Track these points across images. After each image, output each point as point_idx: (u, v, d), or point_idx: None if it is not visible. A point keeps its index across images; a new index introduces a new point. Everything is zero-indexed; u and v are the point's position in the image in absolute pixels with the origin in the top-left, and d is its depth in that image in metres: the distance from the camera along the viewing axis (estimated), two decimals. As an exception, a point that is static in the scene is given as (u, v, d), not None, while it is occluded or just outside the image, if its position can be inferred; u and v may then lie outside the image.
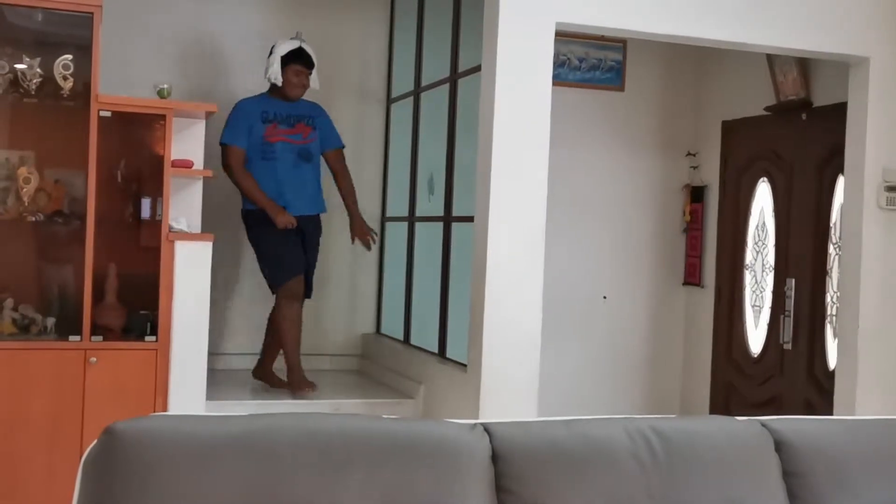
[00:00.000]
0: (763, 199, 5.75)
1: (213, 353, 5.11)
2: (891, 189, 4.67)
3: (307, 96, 5.09)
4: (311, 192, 4.98)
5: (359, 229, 5.14)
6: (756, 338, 5.73)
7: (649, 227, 6.14)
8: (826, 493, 1.98)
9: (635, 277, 6.12)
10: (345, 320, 6.11)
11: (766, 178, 5.71)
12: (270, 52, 4.92)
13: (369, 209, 5.94)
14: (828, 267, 5.22)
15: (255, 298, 5.61)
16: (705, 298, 6.06)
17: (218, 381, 4.95)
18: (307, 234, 4.97)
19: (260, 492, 1.80)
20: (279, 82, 4.85)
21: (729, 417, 2.11)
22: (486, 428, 1.97)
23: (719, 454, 1.97)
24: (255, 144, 4.80)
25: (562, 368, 5.76)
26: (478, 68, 4.56)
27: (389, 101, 6.26)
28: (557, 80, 5.74)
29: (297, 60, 4.87)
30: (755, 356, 5.71)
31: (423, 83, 5.78)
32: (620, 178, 6.05)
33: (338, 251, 5.83)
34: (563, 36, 5.17)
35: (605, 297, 6.06)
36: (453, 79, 5.27)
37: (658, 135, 6.13)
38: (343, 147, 5.18)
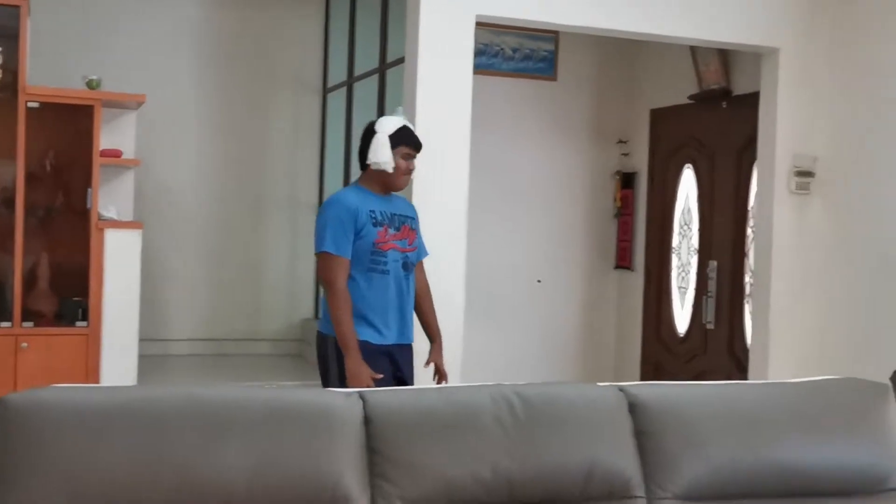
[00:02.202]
0: (688, 184, 5.95)
1: (151, 339, 5.23)
2: (800, 174, 4.87)
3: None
4: (411, 315, 3.82)
5: (438, 357, 3.86)
6: (682, 318, 5.93)
7: (582, 212, 6.32)
8: (674, 450, 2.15)
9: (569, 261, 6.30)
10: (284, 306, 6.24)
11: (690, 165, 5.90)
12: (368, 132, 3.76)
13: (306, 197, 6.06)
14: (746, 249, 5.43)
15: (191, 285, 5.72)
16: (635, 281, 6.26)
17: (153, 366, 5.07)
18: (408, 367, 3.79)
19: (146, 457, 1.93)
20: (390, 168, 3.67)
21: (590, 383, 2.27)
22: (361, 395, 2.12)
23: (577, 416, 2.14)
24: (362, 252, 3.64)
25: (498, 349, 5.93)
26: (404, 59, 4.70)
27: (325, 90, 6.39)
28: (491, 69, 5.91)
29: (408, 142, 3.73)
30: (681, 336, 5.91)
31: (356, 73, 5.92)
32: (554, 166, 6.22)
33: (275, 235, 5.95)
34: (496, 27, 5.32)
35: (539, 281, 6.24)
36: (382, 69, 5.41)
37: (590, 123, 6.30)
38: (428, 255, 4.00)
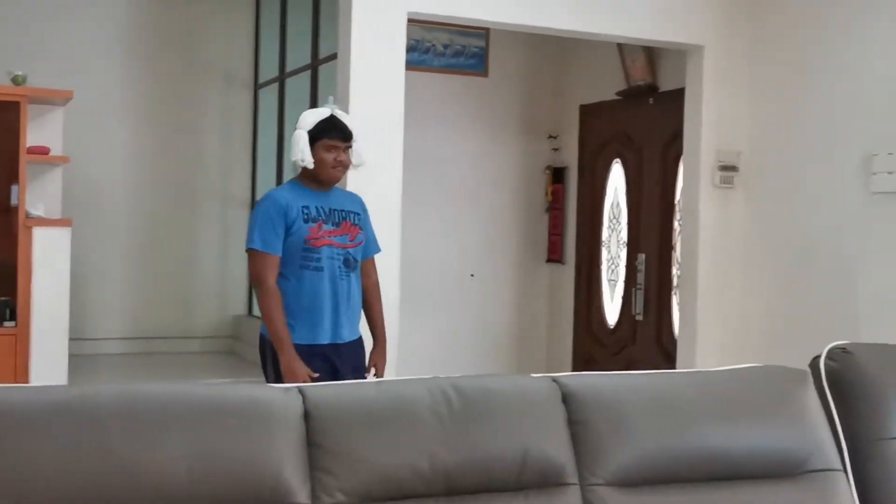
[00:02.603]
0: (617, 179, 6.08)
1: (81, 338, 5.16)
2: (724, 168, 5.02)
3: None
4: (357, 311, 3.79)
5: (380, 359, 3.84)
6: (612, 310, 6.07)
7: (514, 207, 6.41)
8: (605, 437, 2.22)
9: (501, 255, 6.39)
10: (216, 302, 6.20)
11: (619, 160, 6.04)
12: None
13: (238, 193, 6.03)
14: (673, 242, 5.57)
15: (121, 282, 5.66)
16: (567, 274, 6.37)
17: (84, 365, 5.00)
18: (347, 367, 3.72)
19: (81, 454, 1.92)
20: (310, 164, 3.62)
21: (524, 375, 2.33)
22: (301, 390, 2.14)
23: (511, 406, 2.19)
24: (293, 250, 3.61)
25: (432, 342, 6.00)
26: (336, 55, 4.71)
27: (257, 86, 6.36)
28: (423, 66, 5.95)
29: (330, 134, 3.66)
30: (611, 327, 6.05)
31: (288, 69, 5.91)
32: (486, 161, 6.30)
33: (207, 232, 5.91)
34: (427, 23, 5.36)
35: (472, 275, 6.32)
36: (314, 65, 5.41)
37: (521, 118, 6.40)
38: (379, 252, 3.97)
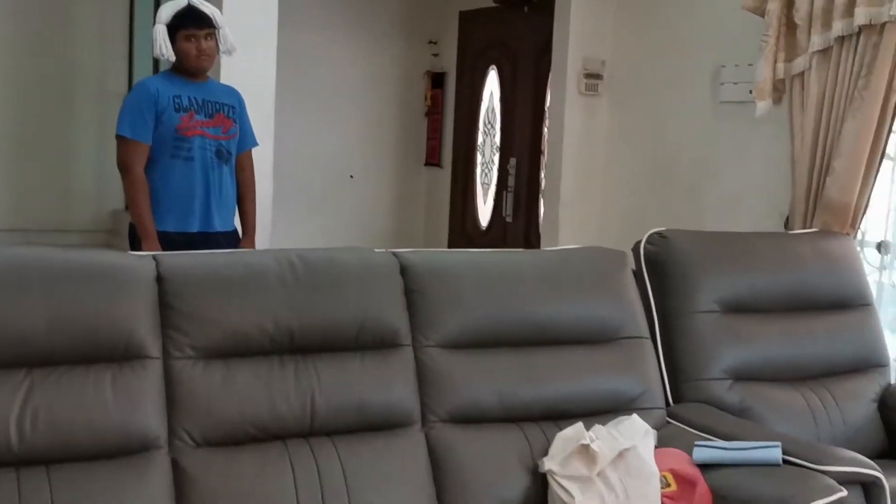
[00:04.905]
0: (492, 85, 6.27)
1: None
2: (589, 76, 5.26)
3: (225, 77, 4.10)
4: (230, 204, 3.85)
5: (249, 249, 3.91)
6: (485, 212, 6.33)
7: (394, 110, 6.56)
8: (438, 305, 2.46)
9: (380, 158, 6.56)
10: (94, 196, 6.19)
11: (495, 66, 6.22)
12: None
13: (114, 87, 5.99)
14: (542, 147, 5.83)
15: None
16: (444, 178, 6.59)
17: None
18: None
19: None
20: (171, 57, 3.66)
21: (366, 249, 2.54)
22: (155, 257, 2.30)
23: (353, 276, 2.40)
24: (164, 139, 3.63)
25: (309, 241, 6.10)
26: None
27: None
28: (302, -35, 5.97)
29: (187, 24, 3.64)
30: (483, 229, 6.32)
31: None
32: (366, 64, 6.40)
33: (84, 125, 5.85)
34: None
35: (351, 176, 6.47)
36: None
37: (401, 23, 6.50)
38: (256, 146, 4.02)
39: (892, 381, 3.16)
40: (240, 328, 2.26)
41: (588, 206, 5.33)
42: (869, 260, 3.74)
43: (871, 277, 3.60)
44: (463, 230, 6.46)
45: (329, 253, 2.47)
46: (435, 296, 2.48)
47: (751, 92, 4.00)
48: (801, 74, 3.72)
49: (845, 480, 2.29)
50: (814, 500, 2.18)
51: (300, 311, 2.31)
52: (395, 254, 2.54)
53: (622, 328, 2.69)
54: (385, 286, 2.44)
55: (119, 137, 3.64)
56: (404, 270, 2.50)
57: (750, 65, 4.08)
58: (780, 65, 3.82)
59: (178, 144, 3.67)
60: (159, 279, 2.25)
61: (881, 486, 2.35)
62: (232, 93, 3.89)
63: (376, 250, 2.55)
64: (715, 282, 2.91)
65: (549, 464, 2.39)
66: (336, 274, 2.40)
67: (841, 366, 3.03)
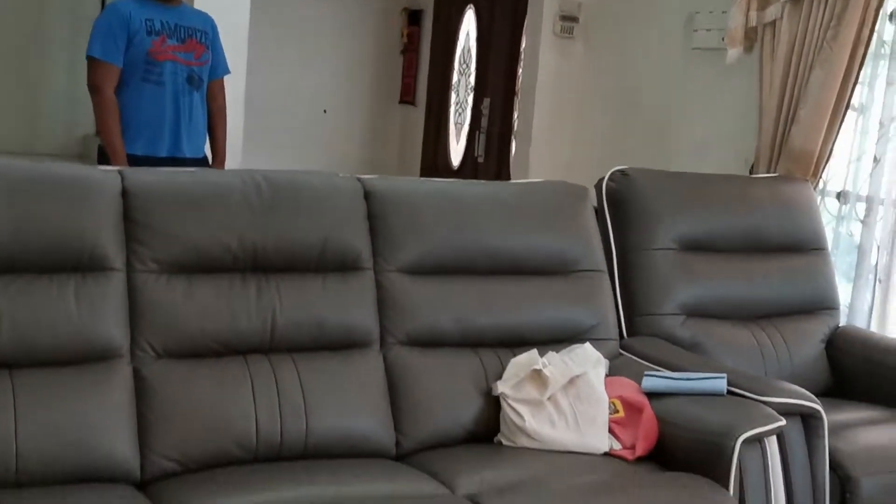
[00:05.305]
0: (469, 24, 6.26)
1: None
2: (565, 18, 5.26)
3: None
4: (200, 130, 3.85)
5: None
6: (457, 151, 6.36)
7: (370, 47, 6.54)
8: (400, 230, 2.50)
9: (355, 94, 6.55)
10: (64, 120, 6.14)
11: (472, 6, 6.20)
12: None
13: (88, 12, 5.92)
14: (517, 89, 5.84)
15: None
16: (418, 116, 6.60)
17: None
18: None
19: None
20: None
21: (331, 173, 2.57)
22: (120, 171, 2.33)
23: (317, 199, 2.43)
24: (135, 62, 3.60)
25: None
26: None
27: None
28: None
29: None
30: (455, 167, 6.35)
31: None
32: (343, 0, 6.36)
33: (55, 49, 5.79)
34: None
35: (325, 111, 6.47)
36: None
37: (379, -41, 6.44)
38: (228, 74, 4.00)
39: (842, 325, 3.26)
40: (203, 244, 2.30)
41: (558, 148, 5.37)
42: (829, 209, 3.82)
43: (830, 227, 3.68)
44: (435, 169, 6.49)
45: (294, 175, 2.51)
46: (397, 221, 2.52)
47: (723, 39, 4.03)
48: (773, 23, 3.76)
49: (785, 412, 2.38)
50: (754, 428, 2.27)
51: (264, 230, 2.35)
52: (359, 179, 2.58)
53: (580, 261, 2.75)
54: (349, 210, 2.48)
55: (90, 59, 3.61)
56: (368, 195, 2.54)
57: (724, 12, 4.11)
58: (753, 13, 3.85)
59: (149, 69, 3.65)
60: (124, 193, 2.27)
61: (819, 419, 2.44)
62: (205, 18, 3.85)
63: (341, 175, 2.58)
64: (673, 220, 2.97)
65: (502, 387, 2.46)
66: (301, 195, 2.43)
67: (792, 307, 3.11)
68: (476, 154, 6.06)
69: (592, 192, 2.98)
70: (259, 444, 2.22)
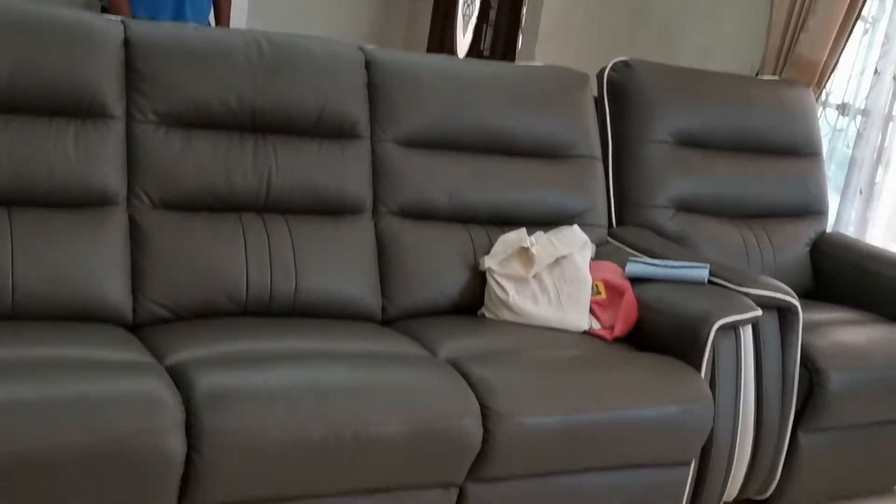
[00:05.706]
0: (484, -86, 6.13)
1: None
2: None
3: None
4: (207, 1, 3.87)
5: None
6: (463, 44, 6.30)
7: (380, -68, 6.41)
8: (399, 102, 2.50)
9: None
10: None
11: None
12: None
13: None
14: (528, -17, 5.75)
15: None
16: (425, 7, 6.51)
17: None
18: None
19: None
20: None
21: (334, 39, 2.57)
22: (123, 21, 2.32)
23: (318, 63, 2.43)
24: None
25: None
26: None
27: None
28: None
29: None
30: (460, 61, 6.30)
31: None
32: None
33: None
34: None
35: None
36: None
37: None
38: None
39: (828, 230, 3.30)
40: (203, 99, 2.31)
41: (564, 46, 5.32)
42: (829, 120, 3.82)
43: (827, 138, 3.69)
44: (439, 62, 6.44)
45: (297, 39, 2.50)
46: (396, 93, 2.53)
47: (738, -60, 3.97)
48: (790, -72, 3.70)
49: (763, 304, 2.43)
50: (730, 315, 2.32)
51: (264, 90, 2.36)
52: (361, 48, 2.58)
53: (575, 146, 2.77)
54: (349, 77, 2.49)
55: None
56: (369, 65, 2.54)
57: (741, -88, 4.04)
58: (770, -84, 3.79)
59: None
60: (126, 43, 2.28)
61: (795, 313, 2.49)
62: None
63: (343, 42, 2.58)
64: (671, 114, 2.98)
65: (489, 262, 2.52)
66: (302, 58, 2.44)
67: (781, 208, 3.15)
68: (482, 48, 6.01)
69: (594, 81, 2.98)
70: (249, 298, 2.28)
